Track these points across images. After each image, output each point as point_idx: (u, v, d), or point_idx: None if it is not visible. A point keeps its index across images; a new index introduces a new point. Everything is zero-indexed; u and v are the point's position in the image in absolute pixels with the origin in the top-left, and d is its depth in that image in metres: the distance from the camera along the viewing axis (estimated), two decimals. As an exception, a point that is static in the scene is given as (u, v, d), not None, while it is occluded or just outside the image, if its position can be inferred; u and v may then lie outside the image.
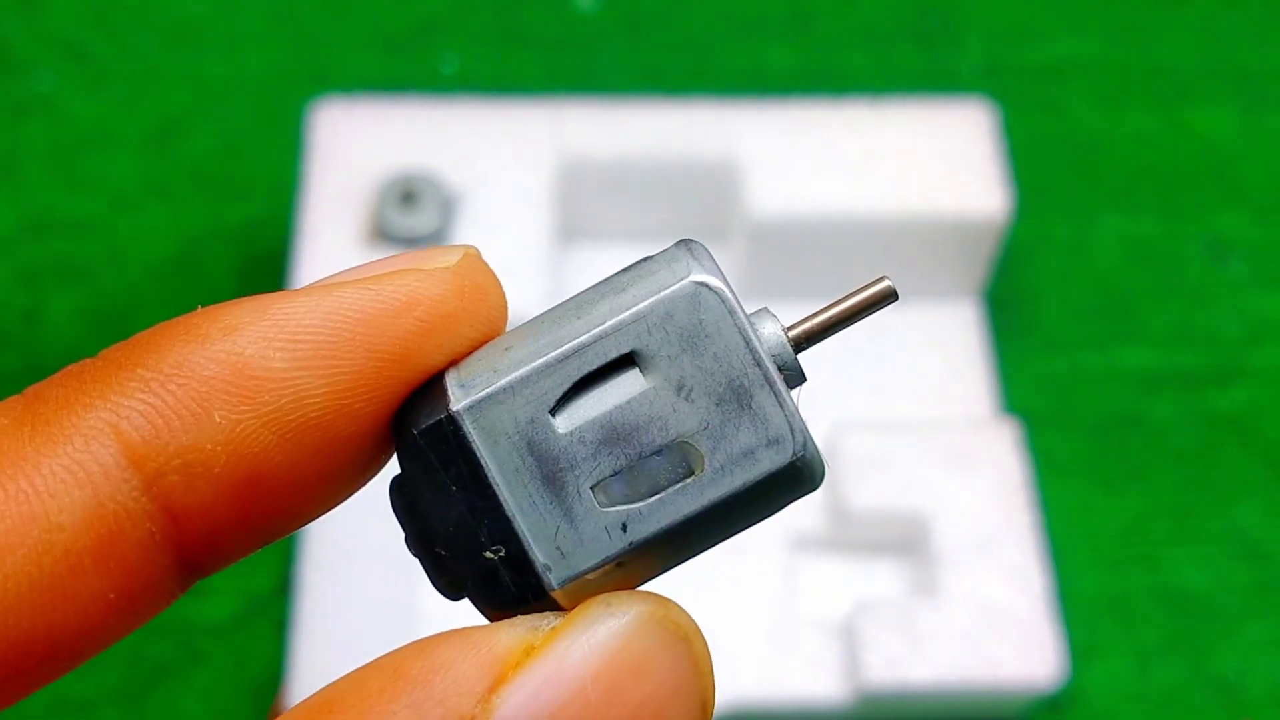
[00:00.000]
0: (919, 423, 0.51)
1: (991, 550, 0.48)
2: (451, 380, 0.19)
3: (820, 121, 0.54)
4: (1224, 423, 0.55)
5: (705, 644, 0.18)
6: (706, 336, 0.19)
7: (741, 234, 0.53)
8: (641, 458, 0.19)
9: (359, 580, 0.47)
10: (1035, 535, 0.48)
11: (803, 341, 0.20)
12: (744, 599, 0.48)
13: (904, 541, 0.50)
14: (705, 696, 0.18)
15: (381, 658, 0.18)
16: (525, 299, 0.48)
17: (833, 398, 0.53)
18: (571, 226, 0.55)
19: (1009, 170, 0.54)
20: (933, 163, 0.53)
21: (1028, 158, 0.58)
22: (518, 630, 0.18)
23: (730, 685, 0.46)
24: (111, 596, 0.18)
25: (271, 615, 0.50)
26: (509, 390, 0.19)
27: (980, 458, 0.49)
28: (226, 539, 0.19)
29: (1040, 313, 0.57)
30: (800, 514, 0.50)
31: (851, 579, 0.50)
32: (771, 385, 0.19)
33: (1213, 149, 0.61)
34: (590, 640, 0.18)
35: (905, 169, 0.53)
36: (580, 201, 0.54)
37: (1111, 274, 0.58)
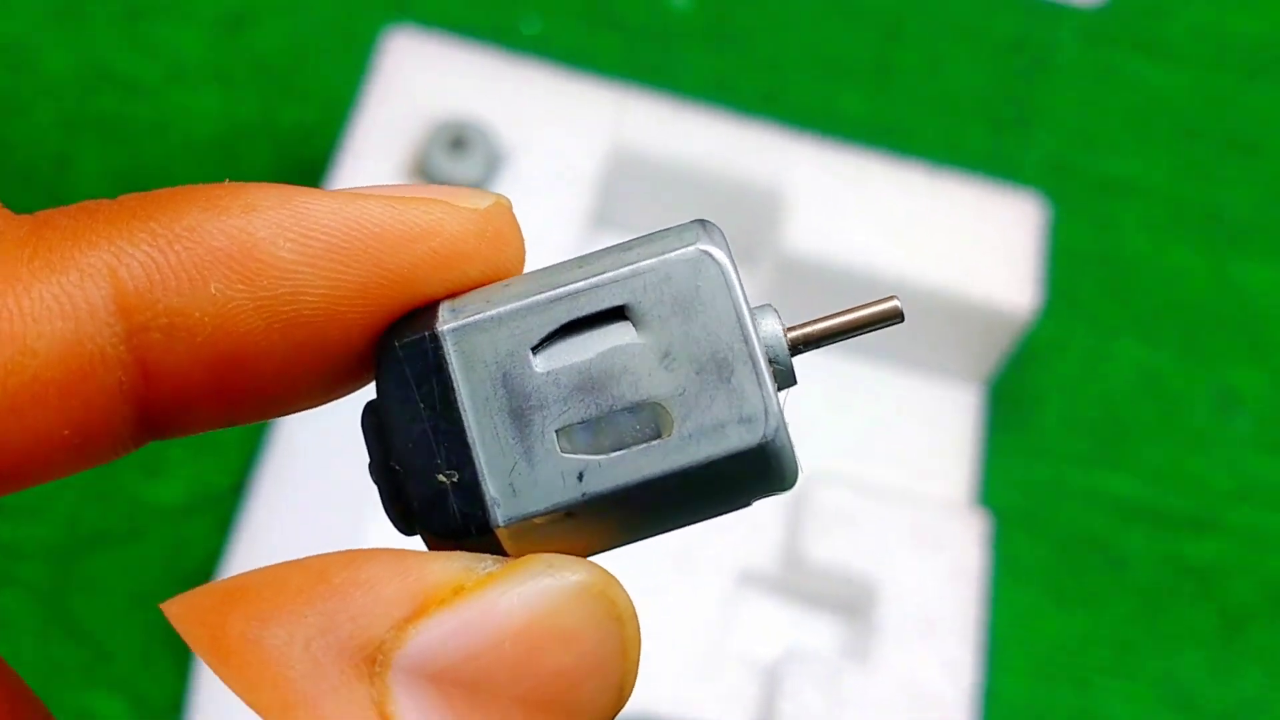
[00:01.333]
0: (894, 491, 0.51)
1: (931, 634, 0.48)
2: (445, 305, 0.19)
3: (875, 174, 0.54)
4: (1189, 570, 0.55)
5: (638, 630, 0.18)
6: (701, 304, 0.19)
7: (770, 263, 0.53)
8: (612, 411, 0.18)
9: (312, 488, 0.47)
10: (977, 631, 0.48)
11: (800, 344, 0.20)
12: (681, 617, 0.48)
13: (849, 602, 0.50)
14: (624, 683, 0.18)
15: (310, 557, 0.17)
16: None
17: (815, 445, 0.53)
18: (606, 213, 0.55)
19: (1045, 270, 0.54)
20: (974, 244, 0.53)
21: (1066, 262, 0.58)
22: (453, 566, 0.18)
23: (643, 694, 0.46)
24: (66, 433, 0.18)
25: (219, 512, 0.50)
26: (495, 320, 0.19)
27: (944, 541, 0.49)
28: (191, 408, 0.19)
29: (1039, 416, 0.57)
30: (755, 550, 0.50)
31: (789, 625, 0.50)
32: (754, 364, 0.18)
33: (1247, 302, 0.60)
34: (522, 594, 0.17)
35: (946, 243, 0.53)
36: (622, 191, 0.54)
37: (1117, 397, 0.57)
